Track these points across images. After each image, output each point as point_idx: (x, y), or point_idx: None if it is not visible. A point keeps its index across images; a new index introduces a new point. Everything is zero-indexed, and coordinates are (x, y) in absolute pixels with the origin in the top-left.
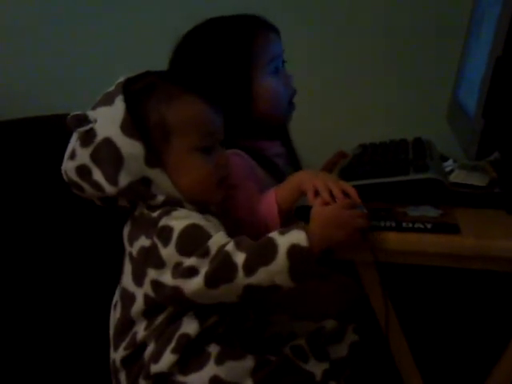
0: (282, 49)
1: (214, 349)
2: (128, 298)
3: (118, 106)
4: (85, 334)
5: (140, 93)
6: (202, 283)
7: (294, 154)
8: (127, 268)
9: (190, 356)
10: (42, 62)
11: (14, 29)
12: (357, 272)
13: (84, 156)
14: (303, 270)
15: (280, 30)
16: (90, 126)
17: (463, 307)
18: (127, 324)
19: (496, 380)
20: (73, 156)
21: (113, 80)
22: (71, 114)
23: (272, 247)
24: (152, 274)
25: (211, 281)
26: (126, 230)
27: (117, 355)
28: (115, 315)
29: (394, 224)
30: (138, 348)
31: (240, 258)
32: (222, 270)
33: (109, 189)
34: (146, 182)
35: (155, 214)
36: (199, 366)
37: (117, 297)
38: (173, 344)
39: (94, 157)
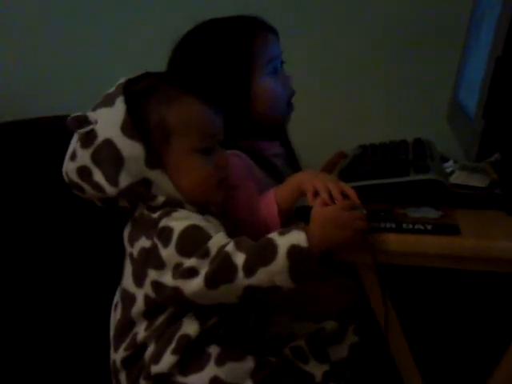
0: (280, 50)
1: (214, 350)
2: (128, 299)
3: (119, 108)
4: (85, 335)
5: (140, 94)
6: (202, 284)
7: (292, 155)
8: (127, 269)
9: (191, 357)
10: (42, 63)
11: (14, 29)
12: (357, 273)
13: (84, 157)
14: (303, 271)
15: (280, 31)
16: (91, 127)
17: (464, 308)
18: (127, 325)
19: (497, 381)
20: (73, 157)
21: (113, 81)
22: (71, 115)
23: (272, 248)
24: (152, 274)
25: (211, 281)
26: (127, 231)
27: (117, 356)
28: (115, 316)
29: (394, 225)
30: (138, 349)
31: (240, 258)
32: (222, 271)
33: (109, 190)
34: (146, 183)
35: (155, 215)
36: (199, 367)
37: (117, 298)
38: (173, 345)
39: (95, 158)
